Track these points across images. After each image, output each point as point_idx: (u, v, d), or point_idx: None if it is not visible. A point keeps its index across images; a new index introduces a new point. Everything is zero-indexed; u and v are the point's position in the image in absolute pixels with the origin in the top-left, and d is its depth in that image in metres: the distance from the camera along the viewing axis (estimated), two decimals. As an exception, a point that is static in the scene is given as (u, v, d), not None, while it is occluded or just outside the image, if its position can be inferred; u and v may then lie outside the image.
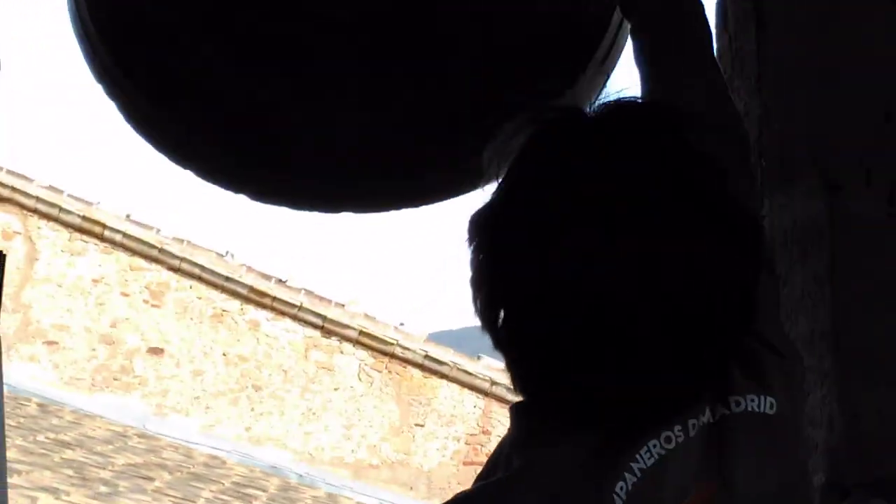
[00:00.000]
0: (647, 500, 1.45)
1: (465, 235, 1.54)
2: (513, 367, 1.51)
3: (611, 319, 1.40)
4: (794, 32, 2.65)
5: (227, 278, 14.90)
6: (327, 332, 15.30)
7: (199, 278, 14.61)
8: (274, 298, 15.07)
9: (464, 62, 2.73)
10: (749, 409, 1.48)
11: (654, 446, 1.45)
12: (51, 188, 12.02)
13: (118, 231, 13.65)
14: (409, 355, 15.52)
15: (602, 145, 1.49)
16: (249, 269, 15.12)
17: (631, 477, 1.43)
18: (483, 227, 1.51)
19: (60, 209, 11.94)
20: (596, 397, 1.44)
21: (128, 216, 14.10)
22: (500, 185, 1.55)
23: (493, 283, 1.48)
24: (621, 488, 1.42)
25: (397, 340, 15.49)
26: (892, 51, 2.55)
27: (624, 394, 1.43)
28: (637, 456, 1.44)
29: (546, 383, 1.49)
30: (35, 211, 11.80)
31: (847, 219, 2.54)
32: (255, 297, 15.05)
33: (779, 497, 1.57)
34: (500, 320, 1.48)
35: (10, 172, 11.51)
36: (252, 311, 15.11)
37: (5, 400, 2.64)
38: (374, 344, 15.50)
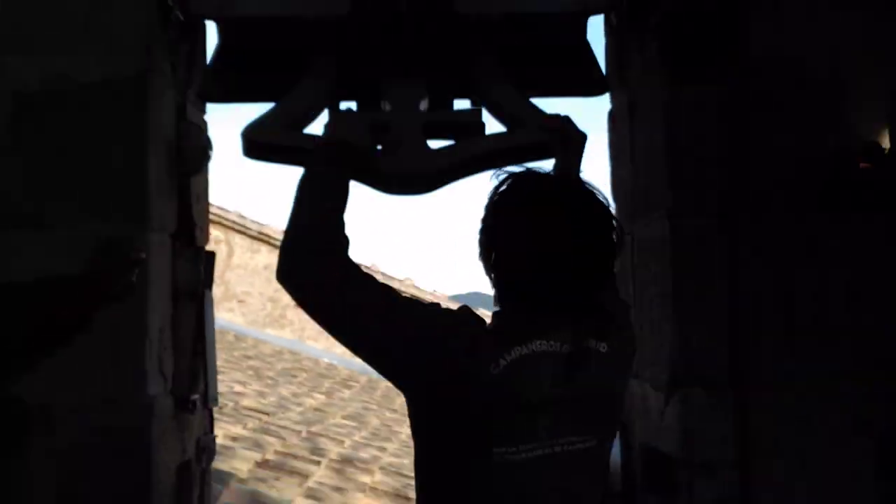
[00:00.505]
0: (527, 364, 1.37)
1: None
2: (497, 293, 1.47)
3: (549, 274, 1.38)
4: (650, 122, 2.40)
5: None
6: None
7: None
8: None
9: None
10: (589, 346, 1.41)
11: (541, 343, 1.38)
12: (239, 215, 11.90)
13: (278, 238, 13.31)
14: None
15: (509, 189, 1.46)
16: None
17: (522, 349, 1.38)
18: (482, 221, 1.48)
19: (245, 226, 11.80)
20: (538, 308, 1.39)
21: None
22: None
23: (486, 253, 1.45)
24: (517, 351, 1.36)
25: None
26: (708, 139, 2.27)
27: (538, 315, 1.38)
28: (531, 343, 1.38)
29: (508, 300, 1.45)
30: (232, 227, 11.68)
31: (681, 233, 2.28)
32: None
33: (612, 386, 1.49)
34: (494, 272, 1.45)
35: (218, 207, 11.40)
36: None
37: (216, 332, 2.56)
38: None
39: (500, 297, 1.48)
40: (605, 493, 1.59)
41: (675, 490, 2.25)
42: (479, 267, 1.54)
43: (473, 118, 2.13)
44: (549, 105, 2.25)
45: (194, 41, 2.30)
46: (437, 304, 1.49)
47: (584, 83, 2.26)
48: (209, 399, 2.23)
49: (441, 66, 2.13)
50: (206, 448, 2.22)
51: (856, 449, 2.09)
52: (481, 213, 1.52)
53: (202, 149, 2.17)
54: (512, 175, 1.51)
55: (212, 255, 2.26)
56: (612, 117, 2.59)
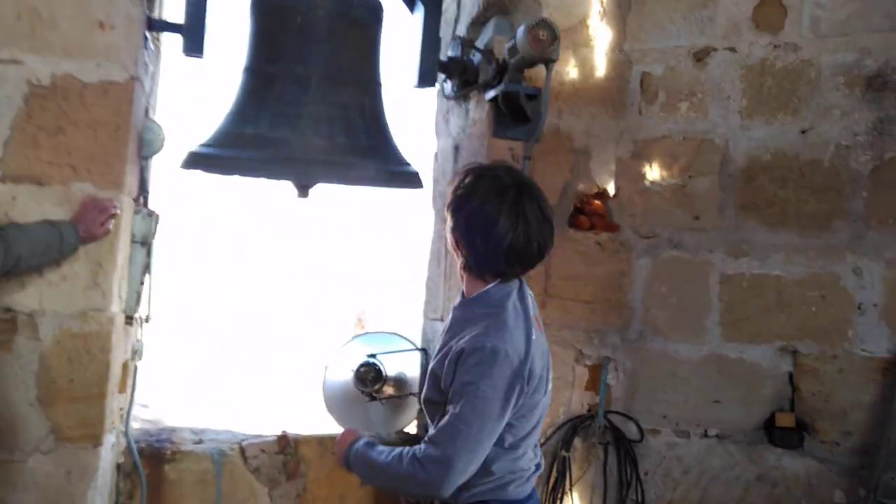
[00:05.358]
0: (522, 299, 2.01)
1: (446, 207, 2.01)
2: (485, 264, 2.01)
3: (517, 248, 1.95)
4: (471, 160, 2.56)
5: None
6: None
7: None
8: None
9: None
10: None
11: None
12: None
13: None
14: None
15: (479, 180, 1.97)
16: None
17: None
18: (456, 207, 1.98)
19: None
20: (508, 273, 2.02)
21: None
22: (462, 188, 1.97)
23: (469, 235, 1.96)
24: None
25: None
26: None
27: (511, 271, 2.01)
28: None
29: (493, 270, 2.00)
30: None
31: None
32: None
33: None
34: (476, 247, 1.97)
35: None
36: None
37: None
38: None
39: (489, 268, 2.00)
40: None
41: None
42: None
43: None
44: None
45: (157, 64, 2.97)
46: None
47: None
48: (145, 318, 2.86)
49: None
50: (138, 350, 2.89)
51: (569, 366, 3.06)
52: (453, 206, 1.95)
53: (161, 140, 2.78)
54: (477, 170, 1.98)
55: (158, 215, 2.79)
56: (436, 156, 3.29)
